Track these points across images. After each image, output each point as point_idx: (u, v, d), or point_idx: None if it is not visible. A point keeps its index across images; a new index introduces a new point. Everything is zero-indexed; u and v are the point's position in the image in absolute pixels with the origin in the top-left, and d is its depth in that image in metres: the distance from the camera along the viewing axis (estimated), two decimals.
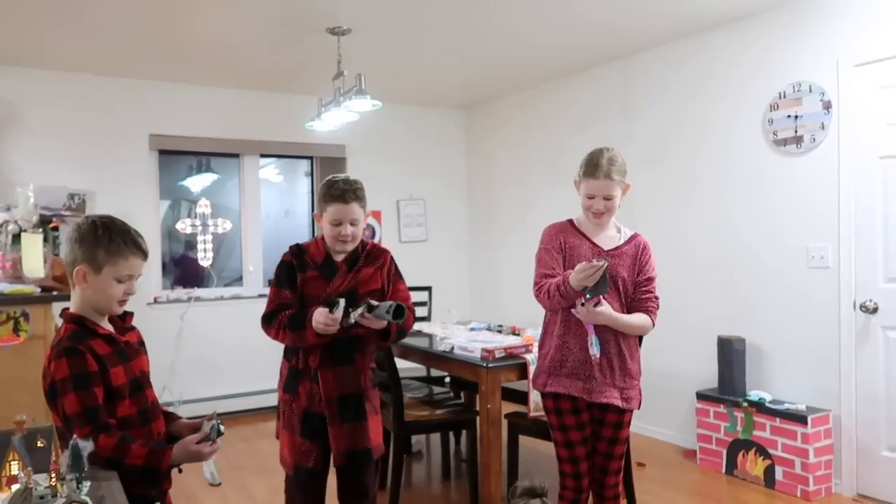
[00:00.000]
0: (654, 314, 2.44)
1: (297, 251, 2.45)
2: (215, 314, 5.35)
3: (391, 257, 2.52)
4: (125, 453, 1.61)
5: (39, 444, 1.37)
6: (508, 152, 5.96)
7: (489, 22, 3.97)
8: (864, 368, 3.49)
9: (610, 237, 2.47)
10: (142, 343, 1.98)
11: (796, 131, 3.72)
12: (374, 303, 2.25)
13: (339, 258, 2.44)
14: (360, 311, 2.23)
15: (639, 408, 2.47)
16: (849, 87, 3.49)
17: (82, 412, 1.63)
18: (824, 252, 3.62)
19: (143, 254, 1.80)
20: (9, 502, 1.20)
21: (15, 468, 1.35)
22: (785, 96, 3.76)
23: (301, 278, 2.39)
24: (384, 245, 5.92)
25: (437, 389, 4.06)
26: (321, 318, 2.22)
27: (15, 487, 1.27)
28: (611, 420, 2.43)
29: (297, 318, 2.32)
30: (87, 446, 1.40)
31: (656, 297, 2.45)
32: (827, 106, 3.57)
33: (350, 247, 2.41)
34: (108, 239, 1.73)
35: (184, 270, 5.59)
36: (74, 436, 1.50)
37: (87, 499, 1.11)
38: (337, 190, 2.36)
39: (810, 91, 3.64)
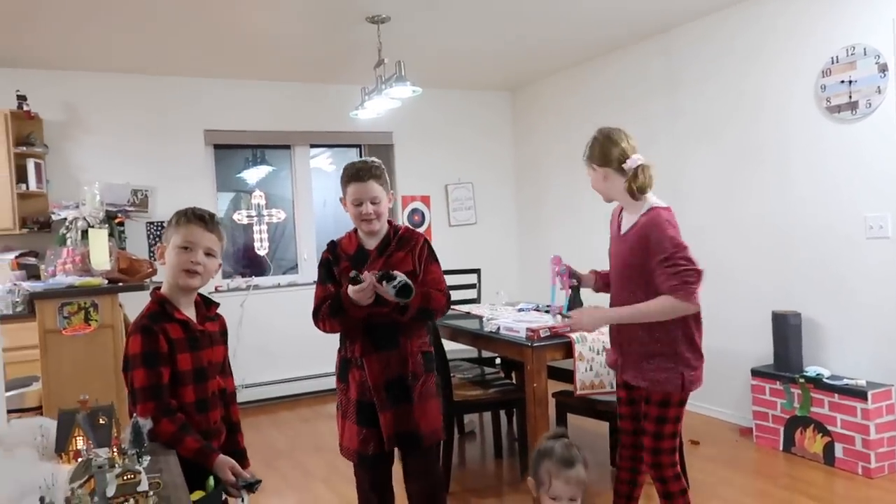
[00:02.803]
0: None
1: (331, 247, 2.50)
2: (273, 301, 5.53)
3: (425, 240, 2.49)
4: (179, 443, 1.73)
5: (101, 420, 1.49)
6: (555, 131, 5.92)
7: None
8: None
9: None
10: (223, 333, 2.08)
11: (850, 97, 3.57)
12: (393, 272, 2.22)
13: (371, 246, 2.45)
14: (374, 277, 2.21)
15: (679, 390, 2.28)
16: None
17: (148, 387, 1.77)
18: (883, 221, 3.48)
19: (203, 223, 1.93)
20: (73, 472, 1.32)
21: (80, 443, 1.48)
22: (838, 61, 3.62)
23: (337, 271, 2.43)
24: (434, 229, 6.05)
25: (487, 370, 4.11)
26: (350, 291, 2.25)
27: (80, 460, 1.39)
28: (640, 395, 2.41)
29: (334, 300, 2.35)
30: (146, 424, 1.51)
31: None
32: (883, 69, 3.42)
33: (375, 226, 2.41)
34: (177, 218, 1.95)
35: (245, 259, 5.80)
36: (135, 414, 1.62)
37: (141, 468, 1.21)
38: (353, 170, 2.41)
39: (865, 54, 3.49)
